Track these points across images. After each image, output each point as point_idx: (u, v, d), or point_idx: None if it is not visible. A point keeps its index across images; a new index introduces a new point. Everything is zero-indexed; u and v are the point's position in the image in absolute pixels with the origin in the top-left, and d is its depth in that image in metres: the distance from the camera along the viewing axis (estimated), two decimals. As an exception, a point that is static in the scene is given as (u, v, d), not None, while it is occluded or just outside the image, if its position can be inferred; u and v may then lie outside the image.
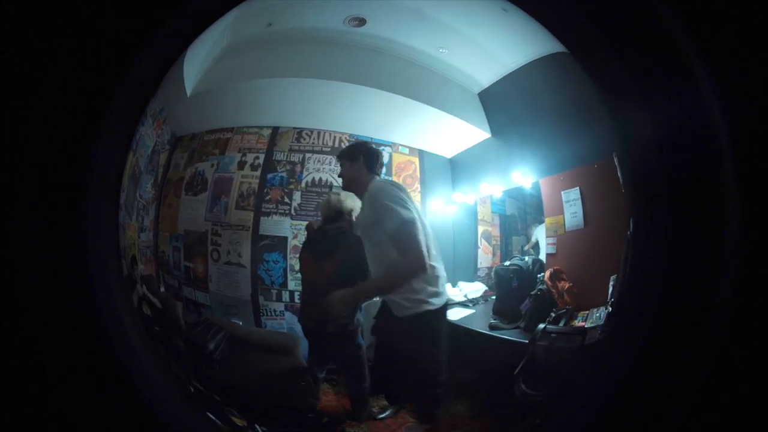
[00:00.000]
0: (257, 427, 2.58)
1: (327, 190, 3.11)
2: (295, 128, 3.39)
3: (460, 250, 2.89)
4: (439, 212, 2.90)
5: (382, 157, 2.89)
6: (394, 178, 2.96)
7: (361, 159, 2.74)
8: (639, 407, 1.64)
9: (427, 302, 2.39)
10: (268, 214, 3.32)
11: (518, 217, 2.68)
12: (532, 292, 2.49)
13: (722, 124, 1.45)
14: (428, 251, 2.38)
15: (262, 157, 3.42)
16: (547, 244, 2.56)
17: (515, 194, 2.67)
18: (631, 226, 2.00)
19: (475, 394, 2.63)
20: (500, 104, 2.72)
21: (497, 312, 2.64)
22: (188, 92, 3.32)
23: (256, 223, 3.34)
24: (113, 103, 1.75)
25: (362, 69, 3.03)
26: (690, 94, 1.44)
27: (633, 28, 1.45)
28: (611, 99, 1.80)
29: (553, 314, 2.41)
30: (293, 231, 3.23)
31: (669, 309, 1.63)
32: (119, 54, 1.71)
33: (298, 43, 3.13)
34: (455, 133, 2.81)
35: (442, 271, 2.44)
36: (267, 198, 3.34)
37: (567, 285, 2.41)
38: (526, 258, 2.56)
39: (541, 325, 2.36)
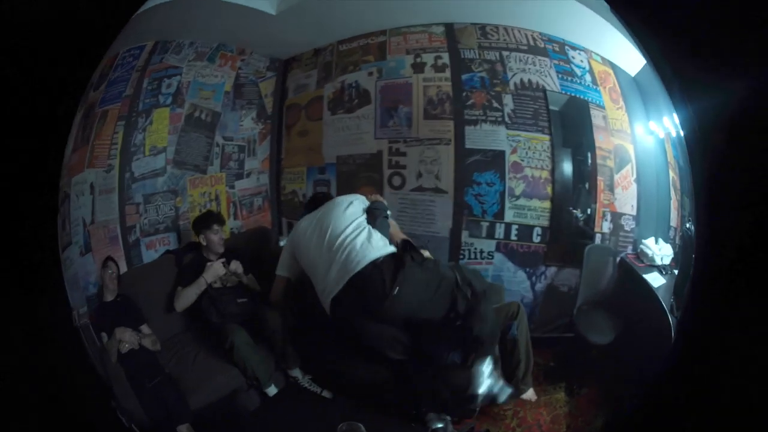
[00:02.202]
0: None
1: (541, 94, 2.17)
2: (473, 24, 2.32)
3: (661, 196, 2.16)
4: (643, 141, 2.21)
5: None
6: (600, 88, 2.23)
7: None
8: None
9: None
10: (474, 122, 2.22)
11: (685, 170, 1.92)
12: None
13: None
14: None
15: (445, 56, 2.32)
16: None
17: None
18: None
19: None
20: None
21: (676, 290, 1.93)
22: (273, 11, 2.29)
23: (460, 135, 2.22)
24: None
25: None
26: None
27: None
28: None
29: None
30: (511, 143, 2.20)
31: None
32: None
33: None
34: (629, 51, 2.05)
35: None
36: (469, 103, 2.25)
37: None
38: (690, 224, 1.88)
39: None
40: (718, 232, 1.50)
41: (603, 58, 2.23)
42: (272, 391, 1.94)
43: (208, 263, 2.07)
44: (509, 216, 2.14)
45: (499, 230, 2.15)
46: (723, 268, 1.44)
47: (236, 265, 2.12)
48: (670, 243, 2.06)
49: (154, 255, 2.18)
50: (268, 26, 2.29)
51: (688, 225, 1.90)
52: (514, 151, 2.13)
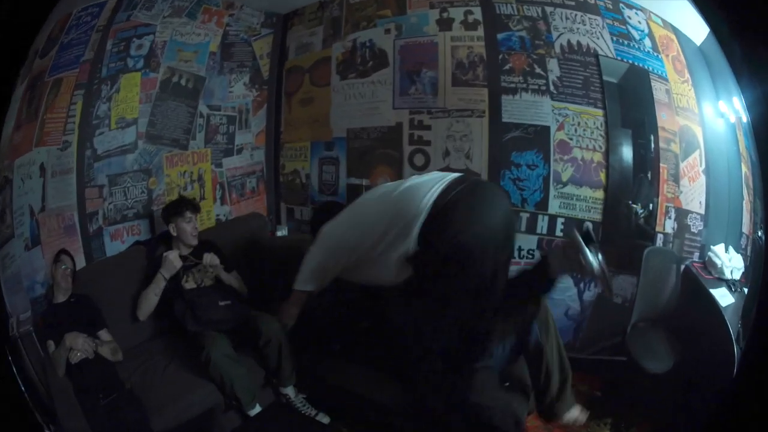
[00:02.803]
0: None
1: (593, 59, 1.92)
2: (507, -26, 2.16)
3: (732, 194, 1.89)
4: (713, 124, 1.94)
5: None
6: (662, 56, 1.97)
7: None
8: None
9: None
10: (513, 91, 1.99)
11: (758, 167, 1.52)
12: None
13: None
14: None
15: (477, 11, 2.09)
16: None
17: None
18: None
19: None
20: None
21: (745, 314, 1.59)
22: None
23: (496, 106, 1.99)
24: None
25: None
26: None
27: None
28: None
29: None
30: (557, 118, 1.95)
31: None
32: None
33: None
34: (693, 16, 1.63)
35: None
36: (507, 67, 2.02)
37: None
38: (761, 232, 1.57)
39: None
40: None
41: (664, 21, 1.98)
42: (255, 411, 1.69)
43: (165, 254, 1.79)
44: (554, 206, 1.91)
45: (542, 224, 1.93)
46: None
47: (210, 258, 1.85)
48: (742, 253, 1.81)
49: (120, 247, 1.94)
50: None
51: (759, 233, 1.64)
52: (560, 128, 1.90)
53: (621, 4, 1.97)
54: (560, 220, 1.90)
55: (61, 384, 1.59)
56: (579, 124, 1.89)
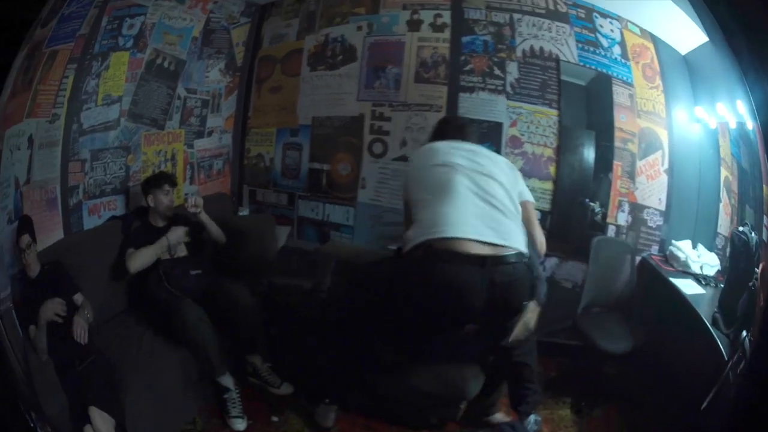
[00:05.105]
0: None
1: (553, 64, 2.34)
2: (483, -19, 2.55)
3: (704, 195, 2.30)
4: (684, 128, 2.32)
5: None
6: (632, 64, 2.39)
7: None
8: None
9: None
10: (470, 90, 2.42)
11: (752, 175, 2.07)
12: (750, 284, 1.90)
13: None
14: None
15: (447, 14, 2.52)
16: (766, 225, 1.96)
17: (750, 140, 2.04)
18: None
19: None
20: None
21: (722, 303, 2.02)
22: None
23: (453, 102, 2.43)
24: None
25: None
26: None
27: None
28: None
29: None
30: (511, 115, 2.40)
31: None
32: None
33: None
34: (683, 26, 2.28)
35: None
36: (467, 68, 2.46)
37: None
38: (753, 233, 1.96)
39: (744, 334, 1.83)
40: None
41: (642, 30, 2.34)
42: (225, 378, 2.07)
43: (173, 227, 2.18)
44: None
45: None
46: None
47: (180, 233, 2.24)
48: (718, 253, 2.14)
49: (97, 222, 2.27)
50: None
51: (741, 228, 1.98)
52: (513, 125, 2.26)
53: (595, 14, 2.33)
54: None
55: (42, 365, 1.81)
56: (532, 122, 2.26)
